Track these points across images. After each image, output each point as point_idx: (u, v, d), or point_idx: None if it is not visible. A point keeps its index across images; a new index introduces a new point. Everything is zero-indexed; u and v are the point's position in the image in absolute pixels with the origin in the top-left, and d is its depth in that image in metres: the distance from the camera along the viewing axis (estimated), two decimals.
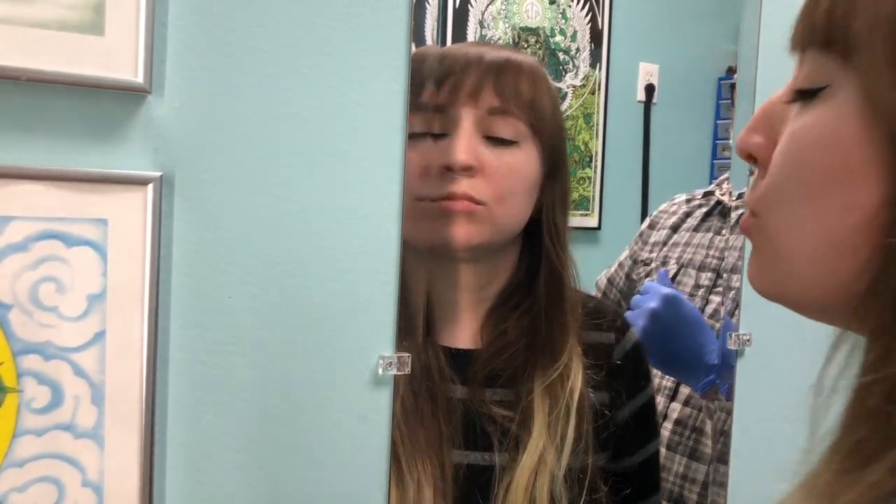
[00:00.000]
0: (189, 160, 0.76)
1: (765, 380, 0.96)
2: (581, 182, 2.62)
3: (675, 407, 1.09)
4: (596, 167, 2.57)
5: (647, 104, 2.58)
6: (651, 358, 1.07)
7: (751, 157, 0.44)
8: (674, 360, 1.04)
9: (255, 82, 0.78)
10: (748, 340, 0.93)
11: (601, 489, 0.85)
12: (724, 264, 1.08)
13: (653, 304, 1.03)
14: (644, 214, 1.60)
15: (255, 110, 0.78)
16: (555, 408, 0.80)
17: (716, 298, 1.07)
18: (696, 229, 1.22)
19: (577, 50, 2.55)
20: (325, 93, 0.81)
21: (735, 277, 1.00)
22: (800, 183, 0.40)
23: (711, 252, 1.14)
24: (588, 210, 2.64)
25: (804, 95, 0.42)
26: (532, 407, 0.80)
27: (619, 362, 0.86)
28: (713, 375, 0.98)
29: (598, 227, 2.66)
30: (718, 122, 1.98)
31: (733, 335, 0.92)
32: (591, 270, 1.43)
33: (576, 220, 2.61)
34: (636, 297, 1.07)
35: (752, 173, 0.45)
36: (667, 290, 1.02)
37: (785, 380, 0.97)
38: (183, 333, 0.77)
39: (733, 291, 0.98)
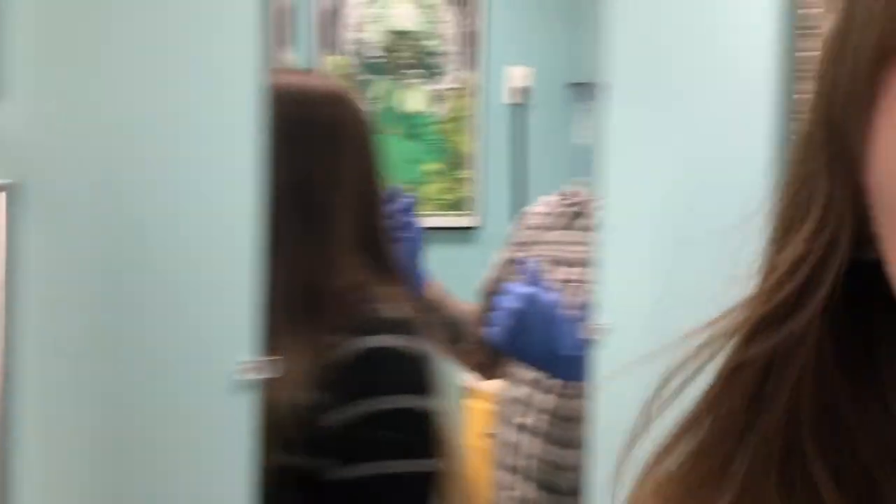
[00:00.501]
0: (37, 168, 0.74)
1: (623, 366, 0.99)
2: (458, 183, 2.67)
3: (544, 398, 1.13)
4: (473, 168, 2.62)
5: (521, 106, 2.65)
6: (513, 354, 1.09)
7: None
8: (536, 354, 1.07)
9: (104, 88, 0.76)
10: (606, 330, 0.97)
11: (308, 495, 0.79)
12: (583, 258, 1.12)
13: (511, 303, 1.05)
14: (517, 215, 1.64)
15: (104, 116, 0.76)
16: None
17: (583, 292, 1.11)
18: (564, 227, 1.26)
19: (451, 53, 2.59)
20: (177, 98, 0.79)
21: (590, 271, 1.03)
22: None
23: (578, 248, 1.18)
24: (466, 210, 2.69)
25: None
26: None
27: (343, 366, 0.80)
28: (574, 366, 1.01)
29: (477, 227, 2.72)
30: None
31: (592, 325, 0.95)
32: (471, 270, 1.45)
33: (454, 220, 2.66)
34: (498, 299, 1.09)
35: None
36: (524, 290, 1.04)
37: (643, 367, 1.01)
38: (33, 338, 0.74)
39: (590, 284, 1.01)
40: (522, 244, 1.30)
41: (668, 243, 1.05)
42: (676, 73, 1.05)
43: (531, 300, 1.03)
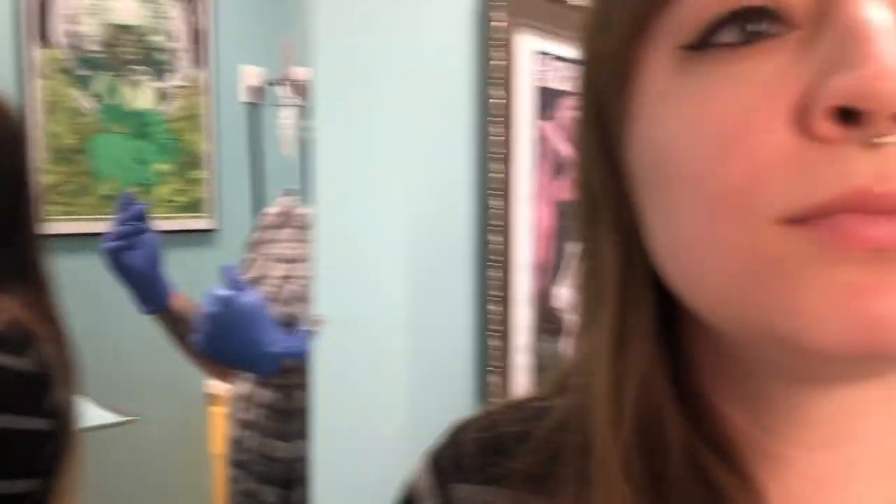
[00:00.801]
0: None
1: (341, 357, 1.04)
2: (192, 184, 2.58)
3: (263, 393, 1.15)
4: (209, 169, 2.55)
5: (256, 105, 2.62)
6: (216, 357, 1.10)
7: None
8: (239, 355, 1.08)
9: None
10: (322, 321, 1.00)
11: None
12: (301, 254, 1.15)
13: (210, 307, 1.05)
14: (257, 216, 1.63)
15: None
16: None
17: (290, 287, 1.14)
18: (294, 225, 1.28)
19: (180, 50, 2.50)
20: None
21: (306, 265, 1.07)
22: None
23: (293, 244, 1.21)
24: (202, 212, 2.61)
25: None
26: None
27: None
28: (276, 362, 1.04)
29: (215, 230, 2.65)
30: None
31: (308, 317, 0.98)
32: (210, 274, 1.42)
33: (189, 222, 2.57)
34: (200, 304, 1.09)
35: (876, 143, 0.26)
36: (223, 293, 1.05)
37: (360, 356, 1.07)
38: None
39: (305, 278, 1.05)
40: (256, 244, 1.31)
41: (383, 236, 1.11)
42: (383, 70, 1.10)
43: (227, 303, 1.04)
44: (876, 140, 0.26)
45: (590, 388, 0.36)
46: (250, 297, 1.06)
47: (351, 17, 1.07)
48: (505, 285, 1.26)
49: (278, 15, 2.73)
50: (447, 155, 1.19)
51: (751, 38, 0.29)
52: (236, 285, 1.06)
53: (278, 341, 1.05)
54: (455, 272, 1.22)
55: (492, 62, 1.20)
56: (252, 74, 2.58)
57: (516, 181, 1.27)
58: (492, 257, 1.23)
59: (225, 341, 1.05)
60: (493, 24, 1.20)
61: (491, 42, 1.21)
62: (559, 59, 1.34)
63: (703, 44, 0.29)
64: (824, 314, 0.27)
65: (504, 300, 1.25)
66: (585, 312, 0.37)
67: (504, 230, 1.25)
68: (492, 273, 1.23)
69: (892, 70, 0.25)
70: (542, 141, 1.34)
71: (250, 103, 2.60)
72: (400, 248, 1.12)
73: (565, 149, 1.38)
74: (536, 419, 0.41)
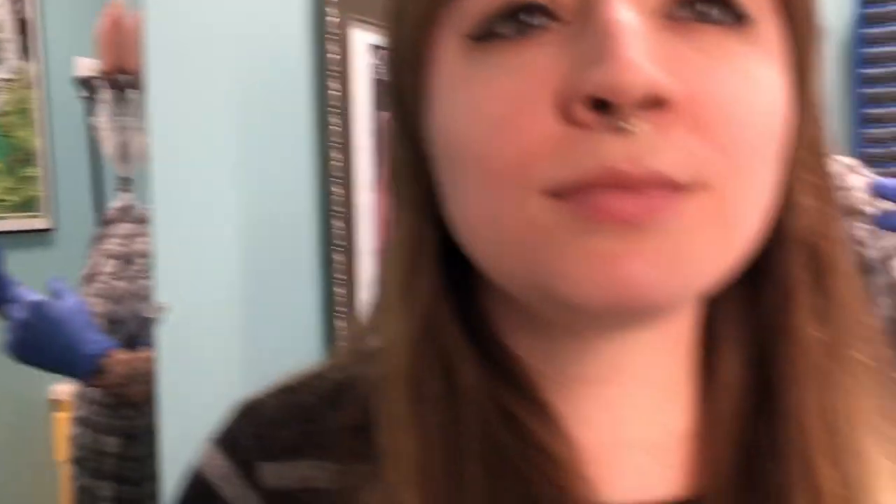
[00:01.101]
0: None
1: (186, 343, 1.06)
2: (25, 181, 2.45)
3: (93, 389, 1.14)
4: (44, 166, 2.43)
5: (92, 99, 2.52)
6: (29, 363, 1.07)
7: (653, 102, 0.29)
8: (52, 360, 1.07)
9: None
10: (166, 309, 1.02)
11: None
12: (136, 250, 1.14)
13: (18, 314, 1.04)
14: (98, 213, 1.58)
15: None
16: None
17: (120, 284, 1.13)
18: (121, 220, 1.27)
19: (4, 41, 2.37)
20: None
21: (141, 261, 1.07)
22: (769, 145, 0.32)
23: (126, 240, 1.20)
24: (37, 211, 2.48)
25: (737, 17, 0.31)
26: None
27: None
28: (94, 363, 1.04)
29: (52, 229, 2.53)
30: None
31: (151, 305, 1.00)
32: (48, 274, 1.37)
33: (23, 222, 2.44)
34: (8, 308, 1.06)
35: (623, 129, 0.29)
36: (31, 298, 1.04)
37: (206, 342, 1.09)
38: None
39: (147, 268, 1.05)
40: (95, 241, 1.29)
41: (222, 225, 1.13)
42: (218, 65, 1.13)
43: (35, 309, 1.02)
44: (623, 125, 0.29)
45: (386, 347, 0.38)
46: (62, 302, 1.04)
47: (184, 8, 1.08)
48: (349, 269, 1.31)
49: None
50: (287, 145, 1.23)
51: (525, 31, 0.31)
52: (55, 291, 1.04)
53: (93, 342, 1.04)
54: (300, 257, 1.26)
55: (328, 55, 1.25)
56: (86, 66, 2.48)
57: (357, 169, 1.32)
58: (335, 242, 1.28)
59: (36, 348, 1.03)
60: (327, 18, 1.25)
61: (327, 36, 1.25)
62: None
63: (484, 34, 0.32)
64: (583, 277, 0.30)
65: (349, 283, 1.31)
66: (382, 276, 0.40)
67: (346, 216, 1.30)
68: (336, 257, 1.28)
69: (635, 65, 0.28)
70: (382, 131, 1.40)
71: (87, 97, 2.50)
72: (240, 236, 1.15)
73: None
74: (341, 386, 0.41)
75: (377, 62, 1.37)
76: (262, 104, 1.18)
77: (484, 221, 0.33)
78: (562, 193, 0.31)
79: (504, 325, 0.39)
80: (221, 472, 0.41)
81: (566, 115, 0.30)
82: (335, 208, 1.28)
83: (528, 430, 0.37)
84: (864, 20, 2.76)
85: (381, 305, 0.40)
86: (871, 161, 2.00)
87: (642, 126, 0.29)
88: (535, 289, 0.33)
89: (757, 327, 0.38)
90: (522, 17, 0.31)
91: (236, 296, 1.15)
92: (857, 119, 2.74)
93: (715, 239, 0.31)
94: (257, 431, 0.41)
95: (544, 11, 0.32)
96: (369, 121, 1.37)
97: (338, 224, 1.28)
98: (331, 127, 1.26)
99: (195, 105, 1.09)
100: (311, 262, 1.28)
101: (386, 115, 1.44)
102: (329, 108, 1.26)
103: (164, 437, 1.02)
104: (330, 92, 1.26)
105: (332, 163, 1.27)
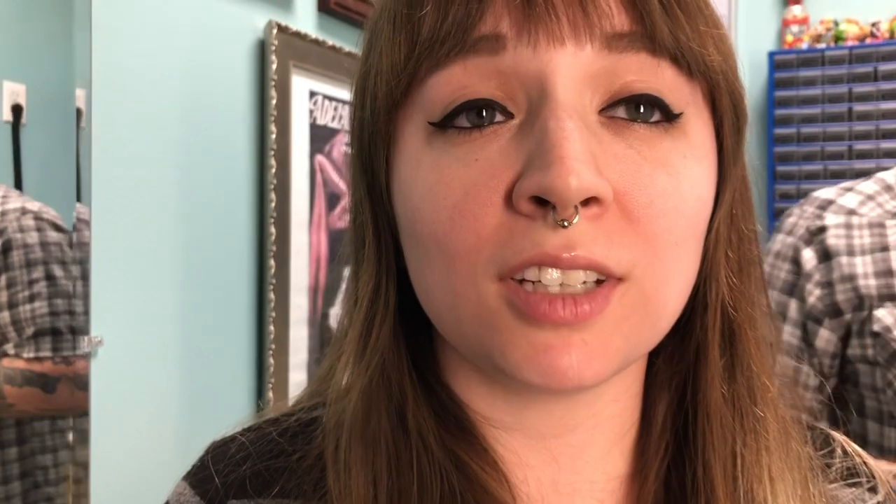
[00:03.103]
0: None
1: (121, 376, 1.06)
2: None
3: None
4: None
5: (16, 125, 2.46)
6: None
7: (587, 200, 0.32)
8: None
9: None
10: (100, 342, 1.02)
11: None
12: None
13: None
14: None
15: None
16: None
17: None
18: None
19: None
20: None
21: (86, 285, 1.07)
22: (692, 234, 0.35)
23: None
24: None
25: (666, 115, 0.34)
26: None
27: None
28: None
29: None
30: None
31: (85, 338, 0.99)
32: None
33: None
34: None
35: (562, 224, 0.32)
36: None
37: (139, 374, 1.09)
38: None
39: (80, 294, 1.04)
40: None
41: (162, 262, 1.14)
42: (163, 107, 1.14)
43: None
44: (563, 222, 0.32)
45: (341, 392, 0.40)
46: None
47: (129, 49, 1.10)
48: (281, 307, 1.33)
49: (45, 30, 2.58)
50: (225, 185, 1.25)
51: (481, 125, 0.34)
52: None
53: None
54: (234, 294, 1.27)
55: (268, 100, 1.28)
56: (10, 92, 2.42)
57: (292, 210, 1.35)
58: (269, 280, 1.30)
59: None
60: (269, 65, 1.29)
61: (268, 82, 1.29)
62: (331, 99, 1.45)
63: (445, 124, 0.35)
64: (523, 362, 0.33)
65: (280, 321, 1.33)
66: (343, 326, 0.42)
67: (279, 255, 1.32)
68: (269, 295, 1.30)
69: (574, 172, 0.31)
70: (318, 174, 1.43)
71: (11, 122, 2.44)
72: (177, 272, 1.16)
73: (339, 181, 1.49)
74: (306, 425, 0.42)
75: (315, 108, 1.41)
76: (204, 144, 1.20)
77: (441, 295, 0.35)
78: (505, 277, 0.33)
79: (456, 374, 0.41)
80: None
81: (513, 207, 0.33)
82: (270, 247, 1.30)
83: (474, 474, 0.38)
84: (775, 84, 2.95)
85: (339, 351, 0.42)
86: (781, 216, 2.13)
87: (578, 221, 0.32)
88: (485, 359, 0.36)
89: (680, 378, 0.41)
90: (478, 111, 0.34)
91: (170, 330, 1.15)
92: (770, 176, 2.91)
93: (639, 326, 0.34)
94: (225, 469, 0.42)
95: (497, 107, 0.34)
96: (306, 164, 1.40)
97: (271, 262, 1.30)
98: (268, 169, 1.29)
99: (137, 142, 1.10)
100: (245, 300, 1.29)
101: (322, 160, 1.46)
102: (269, 151, 1.29)
103: (95, 468, 1.02)
104: (269, 135, 1.29)
105: (269, 203, 1.30)
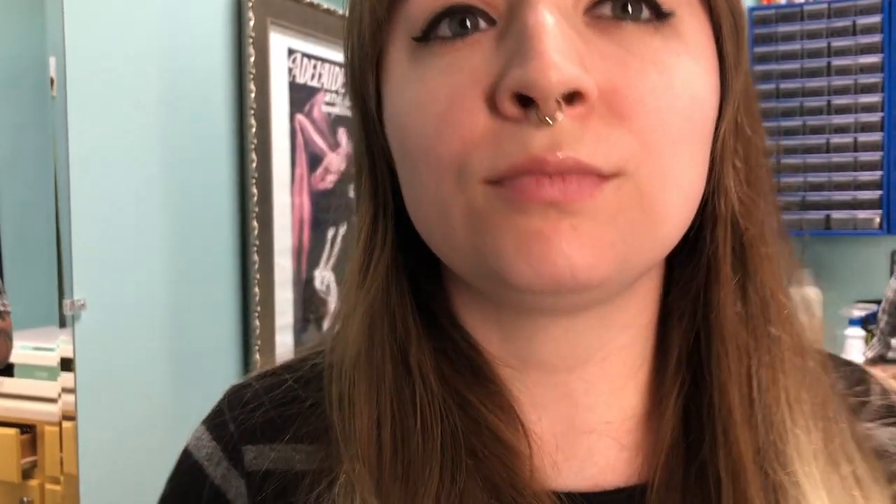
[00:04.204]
0: None
1: (104, 338, 1.06)
2: None
3: None
4: None
5: None
6: None
7: (571, 97, 0.32)
8: None
9: None
10: (83, 305, 1.02)
11: None
12: None
13: None
14: None
15: None
16: None
17: None
18: None
19: None
20: None
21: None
22: (690, 133, 0.34)
23: None
24: None
25: (655, 13, 0.33)
26: None
27: None
28: None
29: None
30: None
31: (68, 301, 0.99)
32: None
33: None
34: None
35: (545, 121, 0.31)
36: None
37: (123, 336, 1.09)
38: None
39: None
40: None
41: (143, 225, 1.13)
42: (137, 68, 1.12)
43: None
44: (546, 118, 0.31)
45: (344, 331, 0.40)
46: None
47: (103, 10, 1.08)
48: (266, 268, 1.32)
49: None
50: (206, 146, 1.24)
51: (461, 33, 0.34)
52: None
53: None
54: (218, 255, 1.27)
55: (246, 59, 1.26)
56: None
57: (273, 170, 1.34)
58: (252, 242, 1.29)
59: None
60: (247, 22, 1.26)
61: (246, 40, 1.27)
62: (310, 57, 1.43)
63: (426, 36, 0.34)
64: (516, 255, 0.32)
65: (264, 282, 1.32)
66: (348, 264, 0.41)
67: (262, 216, 1.31)
68: (254, 257, 1.30)
69: (554, 64, 0.30)
70: (298, 134, 1.42)
71: None
72: (159, 234, 1.15)
73: (321, 142, 1.47)
74: (319, 370, 0.42)
75: (294, 66, 1.39)
76: (182, 105, 1.18)
77: (433, 207, 0.35)
78: (496, 181, 0.33)
79: (465, 312, 0.40)
80: (209, 453, 0.42)
81: (496, 110, 0.32)
82: (252, 209, 1.29)
83: (483, 415, 0.37)
84: (754, 40, 2.94)
85: (344, 292, 0.42)
86: None
87: (563, 118, 0.31)
88: (479, 269, 0.35)
89: (693, 303, 0.39)
90: (459, 18, 0.34)
91: (154, 293, 1.14)
92: None
93: (636, 223, 0.33)
94: (240, 416, 0.42)
95: (478, 13, 0.34)
96: (286, 123, 1.38)
97: (254, 224, 1.29)
98: (248, 129, 1.27)
99: (114, 106, 1.08)
100: (228, 262, 1.28)
101: (302, 120, 1.45)
102: (247, 110, 1.27)
103: (82, 434, 1.02)
104: (247, 95, 1.27)
105: (249, 164, 1.28)
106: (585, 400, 0.39)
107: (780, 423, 0.38)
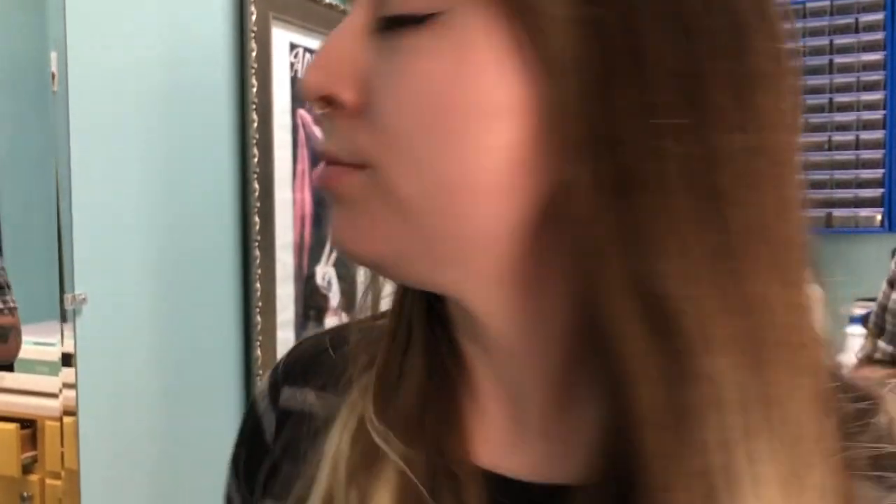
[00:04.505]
0: None
1: (105, 333, 1.06)
2: None
3: None
4: None
5: None
6: None
7: (326, 101, 0.36)
8: None
9: None
10: (84, 300, 1.01)
11: None
12: None
13: None
14: None
15: None
16: None
17: None
18: None
19: None
20: None
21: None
22: (430, 127, 0.34)
23: None
24: None
25: (402, 23, 0.35)
26: None
27: None
28: None
29: None
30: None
31: (69, 296, 0.99)
32: None
33: None
34: None
35: (321, 122, 0.39)
36: None
37: (125, 331, 1.09)
38: None
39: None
40: None
41: (144, 219, 1.13)
42: (140, 61, 1.12)
43: None
44: (319, 116, 0.38)
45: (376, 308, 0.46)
46: None
47: (105, 4, 1.08)
48: (267, 263, 1.32)
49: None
50: (207, 141, 1.23)
51: None
52: None
53: None
54: (219, 251, 1.26)
55: (248, 53, 1.26)
56: None
57: (275, 165, 1.34)
58: (254, 237, 1.29)
59: None
60: (249, 16, 1.26)
61: (248, 34, 1.26)
62: (312, 52, 1.43)
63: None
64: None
65: (265, 279, 1.32)
66: None
67: (263, 211, 1.31)
68: (255, 252, 1.29)
69: (310, 76, 0.36)
70: (300, 129, 1.42)
71: None
72: (160, 228, 1.15)
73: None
74: (354, 335, 0.46)
75: (296, 61, 1.39)
76: (183, 100, 1.18)
77: None
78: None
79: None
80: (262, 389, 0.49)
81: None
82: (253, 204, 1.29)
83: (448, 385, 0.41)
84: None
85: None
86: None
87: (330, 118, 0.37)
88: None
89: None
90: None
91: (156, 288, 1.14)
92: None
93: (380, 211, 0.36)
94: (291, 360, 0.49)
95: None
96: (288, 118, 1.38)
97: (255, 220, 1.29)
98: (250, 124, 1.27)
99: (115, 101, 1.08)
100: (230, 257, 1.28)
101: (304, 115, 1.45)
102: (248, 105, 1.27)
103: (82, 429, 1.02)
104: (249, 89, 1.27)
105: (251, 159, 1.28)
106: (531, 389, 0.39)
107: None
